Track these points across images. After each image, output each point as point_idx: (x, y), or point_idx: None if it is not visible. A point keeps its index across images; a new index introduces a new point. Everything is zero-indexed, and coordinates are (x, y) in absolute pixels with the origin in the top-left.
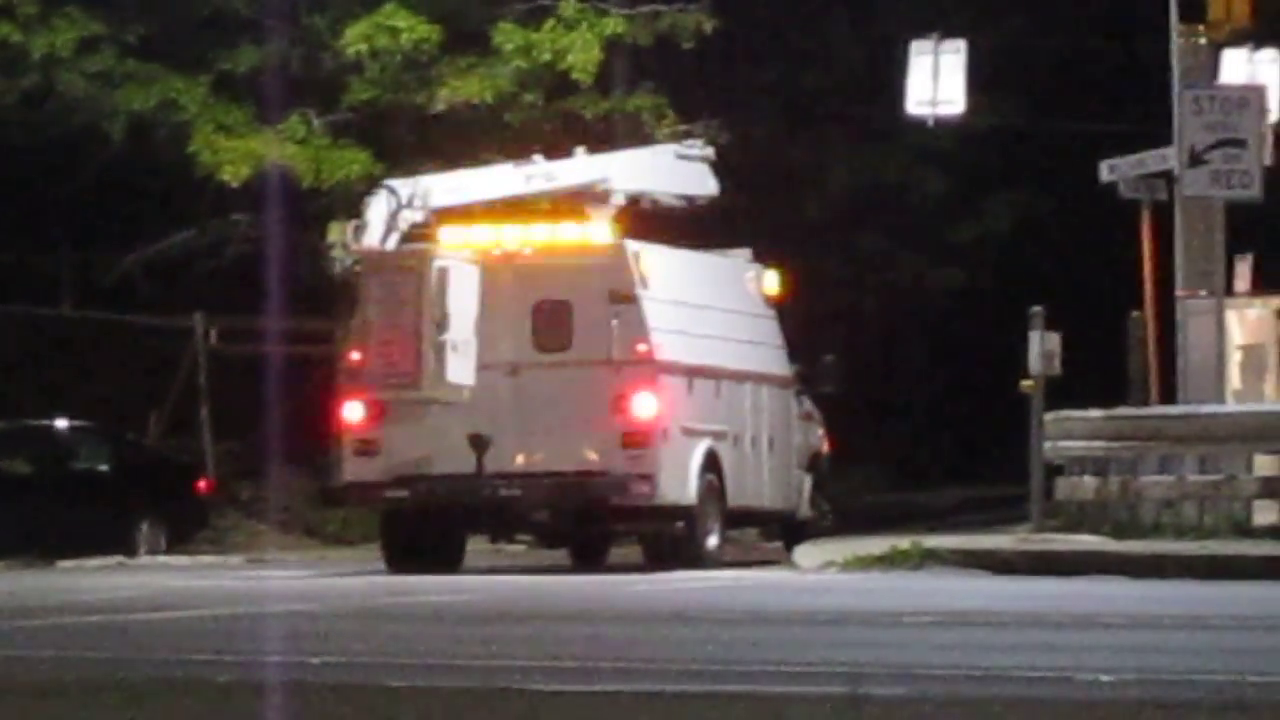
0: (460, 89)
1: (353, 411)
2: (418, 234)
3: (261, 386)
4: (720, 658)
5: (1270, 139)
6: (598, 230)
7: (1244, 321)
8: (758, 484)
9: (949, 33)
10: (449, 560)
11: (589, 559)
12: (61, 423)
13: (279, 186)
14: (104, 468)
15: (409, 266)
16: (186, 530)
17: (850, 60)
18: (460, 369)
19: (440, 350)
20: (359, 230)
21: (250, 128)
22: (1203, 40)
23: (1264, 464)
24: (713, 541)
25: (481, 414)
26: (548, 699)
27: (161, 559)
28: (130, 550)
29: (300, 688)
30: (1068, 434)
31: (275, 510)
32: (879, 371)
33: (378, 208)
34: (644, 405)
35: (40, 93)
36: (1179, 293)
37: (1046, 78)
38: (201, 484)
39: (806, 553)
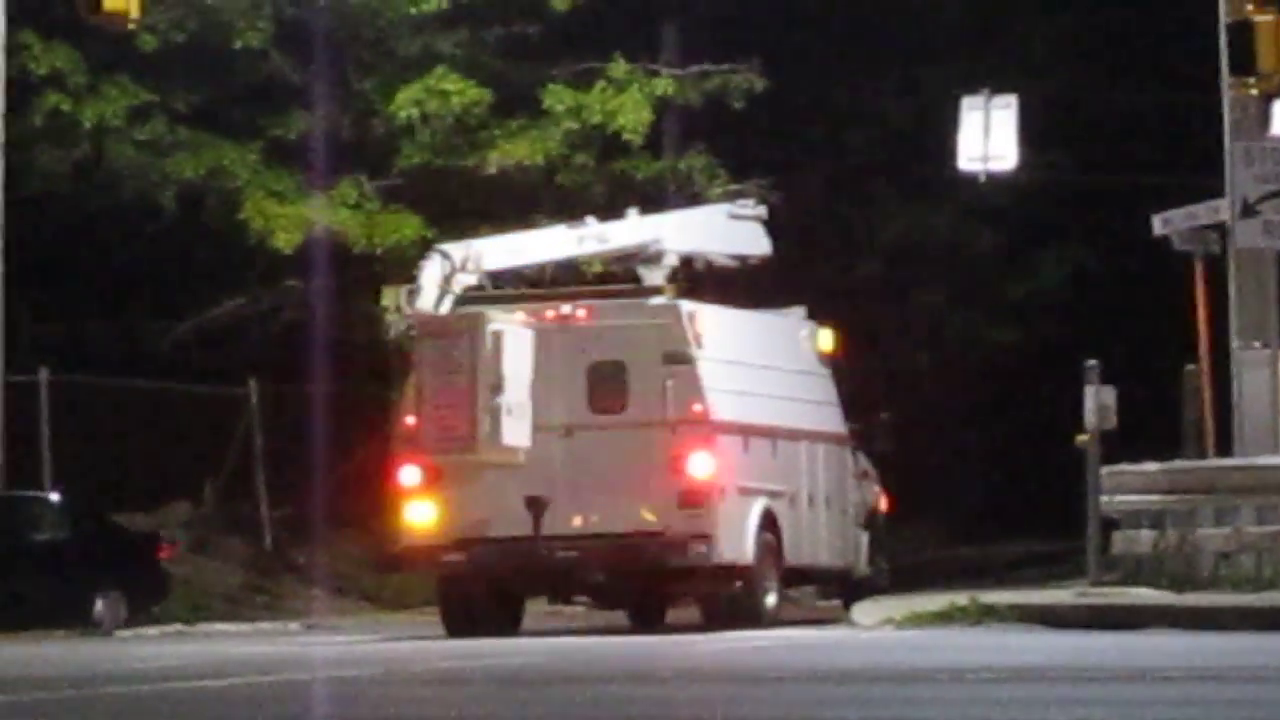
0: (511, 151)
1: (409, 475)
2: (472, 297)
3: (317, 452)
4: (780, 717)
5: None
6: (651, 291)
7: None
8: (815, 542)
9: (999, 88)
10: (508, 623)
11: (647, 620)
12: (22, 494)
13: (331, 252)
14: (63, 538)
15: (463, 330)
16: (146, 600)
17: (899, 118)
18: (516, 432)
19: (495, 413)
20: (412, 294)
21: (301, 194)
22: (1253, 91)
23: None
24: (771, 600)
25: (537, 476)
26: None
27: (219, 626)
28: (89, 621)
29: None
30: (1124, 487)
31: (332, 575)
32: (934, 428)
33: (431, 271)
34: (700, 465)
35: (91, 162)
36: (1233, 345)
37: (1097, 132)
38: (163, 553)
39: (865, 610)
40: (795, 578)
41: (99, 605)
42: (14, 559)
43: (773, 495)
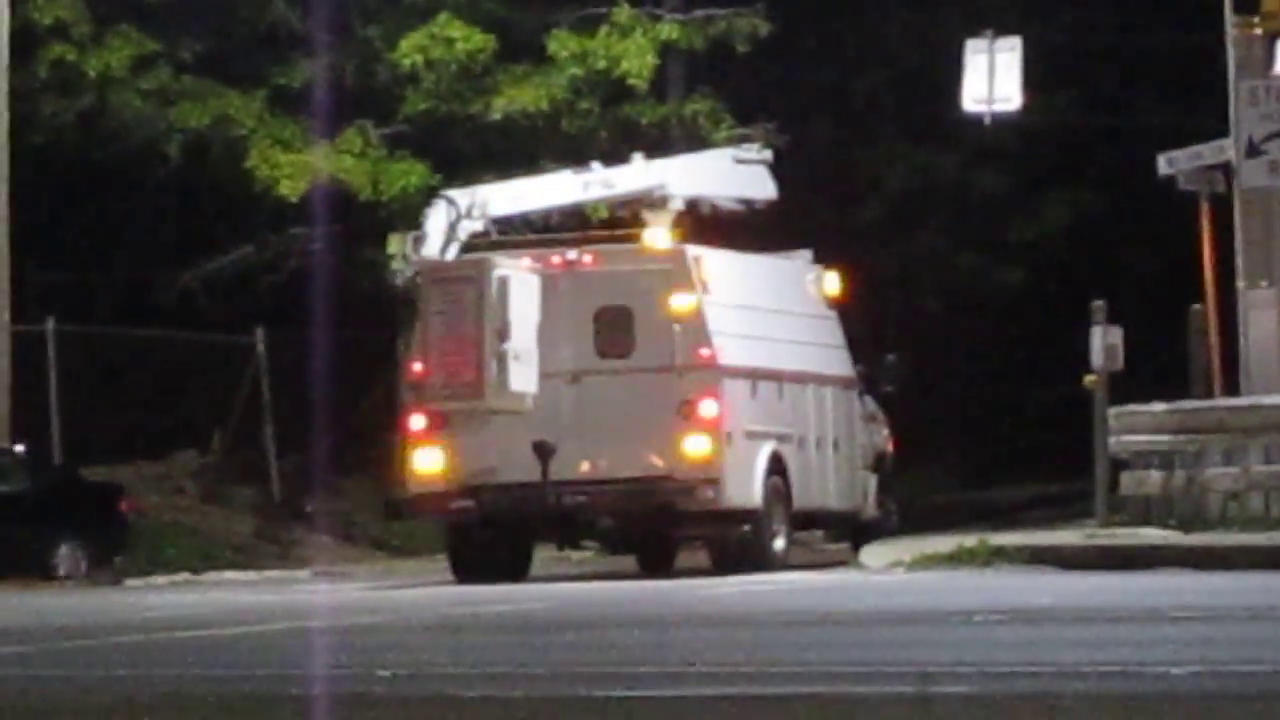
0: (516, 98)
1: (416, 422)
2: (477, 243)
3: (324, 400)
4: (790, 660)
5: None
6: (657, 236)
7: None
8: (823, 485)
9: (1004, 30)
10: (516, 569)
11: (656, 564)
12: None
13: (336, 200)
14: (24, 489)
15: (469, 276)
16: (107, 552)
17: (905, 60)
18: (523, 378)
19: (502, 359)
20: (418, 241)
21: (307, 142)
22: (1258, 31)
23: None
24: (779, 544)
25: (545, 422)
26: (620, 705)
27: (229, 574)
28: (49, 572)
29: (371, 700)
30: (1132, 428)
31: (340, 523)
32: (941, 370)
33: (436, 218)
34: (708, 409)
35: (96, 112)
36: (1240, 285)
37: (1102, 73)
38: (123, 505)
39: (873, 553)
40: (803, 521)
41: (59, 556)
42: None
43: (780, 439)
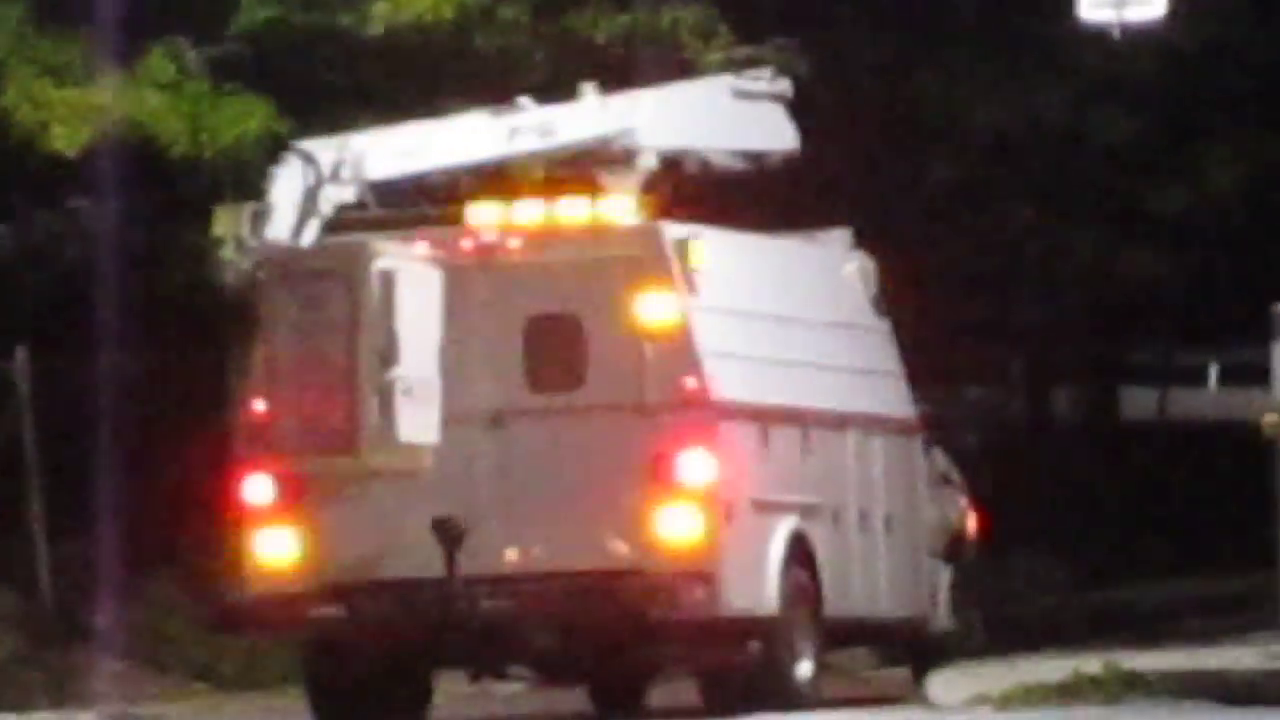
0: (406, 4)
1: (258, 491)
2: (349, 221)
3: (120, 456)
4: None
5: None
6: (619, 208)
7: None
8: (869, 582)
9: None
10: (408, 708)
11: (618, 702)
12: None
13: (137, 156)
14: None
15: (337, 271)
16: None
17: None
18: (417, 423)
19: (387, 395)
20: (260, 218)
21: (91, 71)
22: None
23: None
24: (804, 669)
25: (452, 489)
26: None
27: None
28: None
29: None
30: None
31: (144, 641)
32: (1048, 409)
33: (288, 184)
34: (696, 469)
35: None
36: None
37: None
38: None
39: (947, 682)
40: (841, 635)
41: None
42: None
43: (806, 512)
